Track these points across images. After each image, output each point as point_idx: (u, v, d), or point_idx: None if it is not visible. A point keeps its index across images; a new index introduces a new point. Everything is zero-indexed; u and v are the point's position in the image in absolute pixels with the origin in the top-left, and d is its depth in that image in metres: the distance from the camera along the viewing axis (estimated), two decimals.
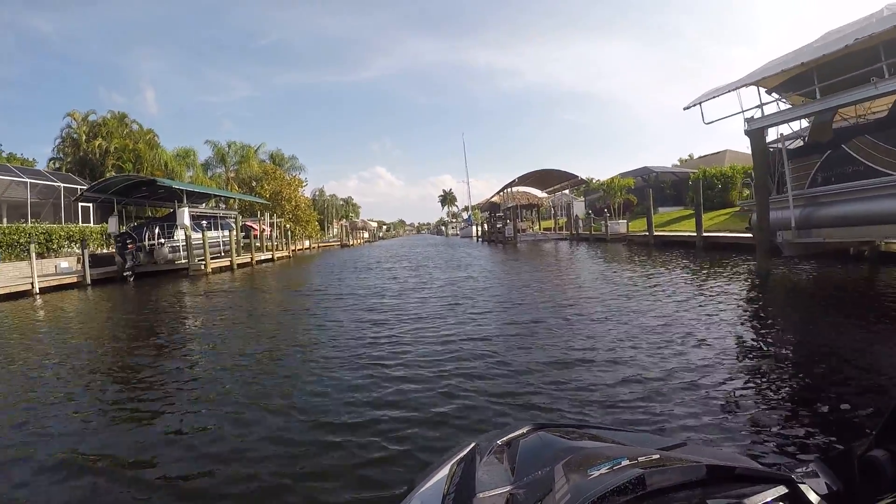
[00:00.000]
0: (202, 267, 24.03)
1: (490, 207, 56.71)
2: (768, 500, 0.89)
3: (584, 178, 43.26)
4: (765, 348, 6.52)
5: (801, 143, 13.62)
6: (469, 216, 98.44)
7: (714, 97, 14.10)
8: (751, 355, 6.31)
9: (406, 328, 8.76)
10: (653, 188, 43.41)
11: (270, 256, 34.74)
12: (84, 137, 38.73)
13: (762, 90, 13.64)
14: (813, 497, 0.93)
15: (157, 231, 24.15)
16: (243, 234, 32.67)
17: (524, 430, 1.49)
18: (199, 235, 24.99)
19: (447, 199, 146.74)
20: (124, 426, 4.89)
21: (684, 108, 14.44)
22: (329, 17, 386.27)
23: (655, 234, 27.44)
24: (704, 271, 14.51)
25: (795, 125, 14.29)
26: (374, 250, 45.19)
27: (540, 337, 7.52)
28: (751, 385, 5.05)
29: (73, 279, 21.04)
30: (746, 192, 30.68)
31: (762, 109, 13.04)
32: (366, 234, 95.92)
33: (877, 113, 12.77)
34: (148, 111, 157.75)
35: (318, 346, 7.80)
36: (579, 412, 4.52)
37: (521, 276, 16.64)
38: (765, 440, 3.85)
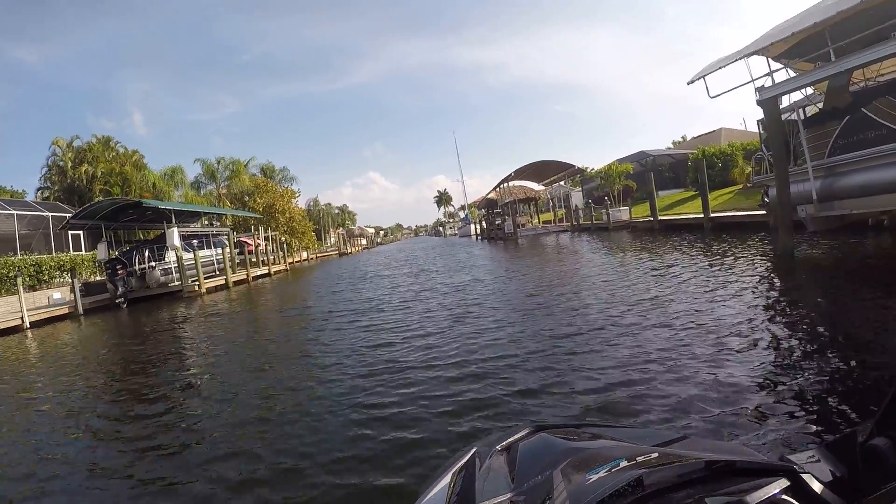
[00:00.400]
0: (196, 288, 23.22)
1: (487, 204, 55.84)
2: (771, 493, 0.86)
3: (580, 167, 42.33)
4: (804, 336, 5.94)
5: (816, 111, 12.90)
6: (466, 215, 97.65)
7: (718, 69, 13.35)
8: (784, 344, 5.74)
9: (412, 354, 7.25)
10: (647, 173, 42.81)
11: (267, 271, 33.93)
12: (70, 164, 38.18)
13: (765, 59, 12.96)
14: (816, 486, 0.90)
15: (146, 254, 23.28)
16: (237, 250, 31.75)
17: (523, 432, 1.47)
18: (191, 255, 24.15)
19: (443, 199, 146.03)
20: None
21: (688, 83, 13.71)
22: (311, 26, 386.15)
23: (660, 218, 26.66)
24: (723, 255, 13.59)
25: (798, 95, 13.58)
26: (373, 257, 44.32)
27: (577, 354, 6.13)
28: (788, 375, 4.69)
29: (65, 310, 20.26)
30: (748, 168, 29.96)
31: (772, 77, 12.27)
32: (363, 241, 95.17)
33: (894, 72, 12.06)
34: (137, 133, 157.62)
35: (314, 382, 6.48)
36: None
37: (531, 274, 15.34)
38: (773, 427, 3.72)
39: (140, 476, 4.36)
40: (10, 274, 22.70)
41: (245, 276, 29.53)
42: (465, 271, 19.48)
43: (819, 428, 3.66)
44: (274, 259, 39.06)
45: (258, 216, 41.20)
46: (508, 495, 1.10)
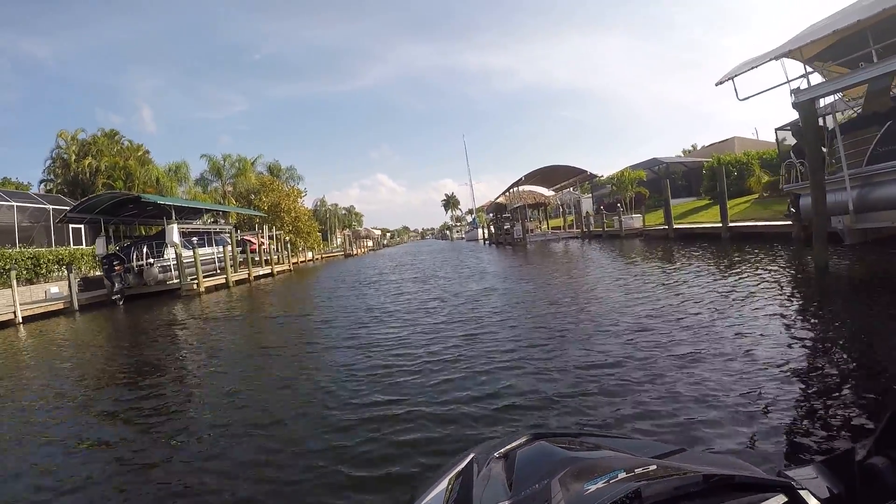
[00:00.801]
0: (195, 286, 22.55)
1: (496, 208, 55.02)
2: None
3: (592, 173, 41.51)
4: (832, 357, 5.53)
5: (853, 116, 12.15)
6: (474, 219, 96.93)
7: (749, 70, 12.60)
8: (811, 364, 5.37)
9: (416, 388, 5.82)
10: (662, 180, 42.03)
11: (270, 271, 33.21)
12: (74, 157, 37.72)
13: (790, 62, 12.24)
14: (813, 503, 0.91)
15: (145, 250, 22.62)
16: (240, 248, 31.06)
17: (522, 440, 1.45)
18: (191, 253, 23.50)
19: (450, 202, 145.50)
20: None
21: (716, 84, 12.97)
22: (320, 28, 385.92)
23: (675, 226, 25.81)
24: (749, 268, 12.70)
25: (828, 99, 12.81)
26: (379, 259, 43.36)
27: (613, 387, 5.13)
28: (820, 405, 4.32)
29: (60, 305, 19.68)
30: (766, 177, 29.13)
31: (808, 79, 11.49)
32: (370, 243, 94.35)
33: None
34: (146, 130, 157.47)
35: (303, 414, 5.39)
36: None
37: (547, 285, 14.02)
38: (772, 442, 3.68)
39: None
40: (7, 266, 22.16)
41: (247, 276, 28.87)
42: (475, 279, 17.89)
43: (821, 445, 3.57)
44: (278, 259, 38.55)
45: (262, 215, 40.52)
46: (506, 503, 1.08)
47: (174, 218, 24.19)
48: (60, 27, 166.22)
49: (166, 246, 23.16)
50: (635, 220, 33.33)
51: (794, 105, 11.09)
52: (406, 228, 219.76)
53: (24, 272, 23.03)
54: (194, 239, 25.57)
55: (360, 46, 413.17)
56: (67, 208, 26.84)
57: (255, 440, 4.75)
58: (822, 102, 12.27)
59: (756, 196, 28.01)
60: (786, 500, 0.90)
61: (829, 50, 12.30)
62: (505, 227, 47.69)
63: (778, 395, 4.46)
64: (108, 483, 4.18)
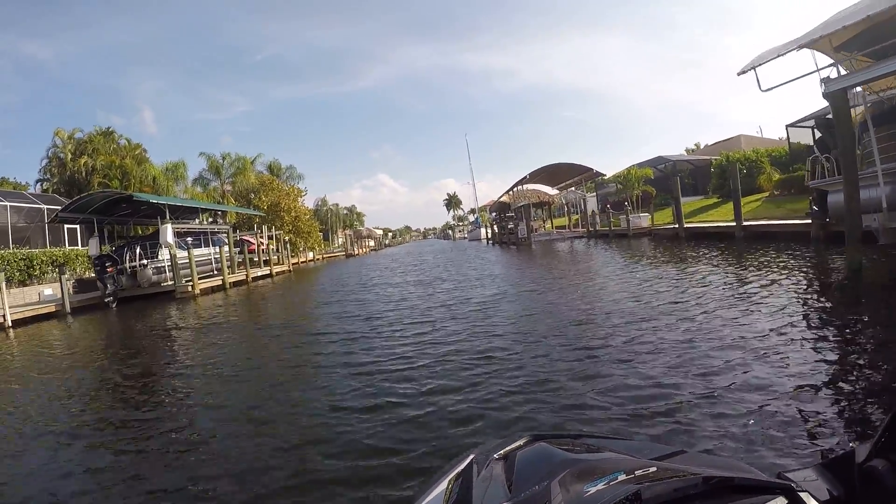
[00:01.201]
0: (189, 288, 21.80)
1: (499, 207, 54.17)
2: None
3: (598, 171, 40.69)
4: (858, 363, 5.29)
5: (885, 108, 11.39)
6: (476, 218, 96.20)
7: (773, 59, 11.85)
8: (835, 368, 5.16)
9: (418, 427, 4.73)
10: (671, 178, 41.19)
11: (268, 272, 32.48)
12: (70, 156, 37.04)
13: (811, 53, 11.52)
14: None
15: (138, 251, 21.88)
16: (238, 249, 30.29)
17: (521, 441, 1.44)
18: (185, 254, 22.75)
19: (452, 202, 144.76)
20: None
21: (738, 74, 12.22)
22: (321, 28, 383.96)
23: (686, 225, 25.02)
24: (775, 269, 11.88)
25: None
26: (381, 260, 42.50)
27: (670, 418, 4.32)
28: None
29: (52, 308, 18.96)
30: (776, 175, 28.36)
31: (838, 68, 10.74)
32: (371, 243, 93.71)
33: None
34: (147, 131, 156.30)
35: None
36: None
37: (562, 289, 12.80)
38: (772, 445, 3.65)
39: None
40: None
41: (244, 277, 28.16)
42: (483, 283, 16.49)
43: (822, 447, 3.58)
44: (278, 259, 37.87)
45: (261, 214, 39.77)
46: None
47: (168, 217, 23.40)
48: (62, 29, 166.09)
49: (160, 246, 22.42)
50: (643, 219, 32.62)
51: (826, 95, 10.36)
52: (408, 228, 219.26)
53: (17, 274, 22.35)
54: (189, 239, 24.72)
55: (361, 47, 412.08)
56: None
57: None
58: (854, 94, 11.51)
59: (767, 194, 27.22)
60: (786, 502, 0.90)
61: (855, 39, 11.57)
62: (509, 227, 47.02)
63: (810, 401, 4.33)
64: None
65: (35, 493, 4.18)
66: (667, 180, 40.59)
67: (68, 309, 19.08)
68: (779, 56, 11.61)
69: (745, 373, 5.13)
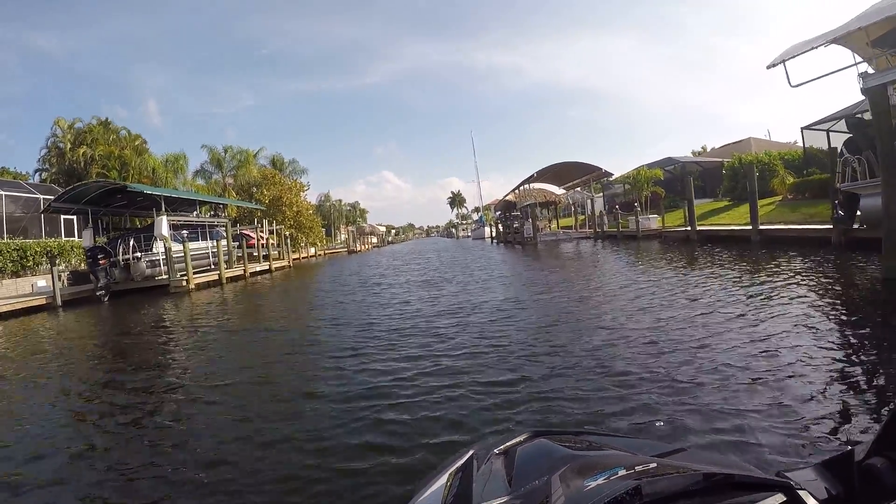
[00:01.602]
0: (184, 283, 21.13)
1: (505, 206, 53.40)
2: None
3: (607, 170, 39.88)
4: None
5: None
6: (480, 216, 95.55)
7: (803, 53, 11.15)
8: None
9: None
10: (684, 178, 40.38)
11: (267, 267, 31.79)
12: (69, 146, 36.51)
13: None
14: (812, 503, 0.91)
15: (132, 243, 21.21)
16: (236, 243, 29.61)
17: (522, 437, 1.45)
18: (181, 247, 22.09)
19: (456, 200, 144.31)
20: None
21: (767, 67, 11.55)
22: (328, 24, 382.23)
23: (698, 228, 24.24)
24: (800, 276, 11.12)
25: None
26: (383, 257, 41.50)
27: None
28: None
29: (42, 301, 18.37)
30: (790, 178, 27.57)
31: (875, 63, 10.01)
32: (374, 240, 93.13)
33: None
34: (151, 123, 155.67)
35: None
36: None
37: (580, 296, 11.47)
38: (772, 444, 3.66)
39: None
40: None
41: (242, 272, 27.52)
42: (492, 286, 15.17)
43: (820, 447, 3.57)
44: (279, 254, 37.26)
45: (261, 208, 39.11)
46: (506, 498, 1.09)
47: (164, 209, 22.71)
48: (69, 21, 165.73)
49: (155, 239, 21.76)
50: (652, 221, 31.82)
51: (864, 91, 9.62)
52: (411, 226, 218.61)
53: (10, 264, 21.78)
54: (184, 232, 23.95)
55: (368, 43, 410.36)
56: None
57: None
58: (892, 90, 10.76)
59: (780, 198, 26.41)
60: (784, 499, 0.90)
61: (888, 35, 10.88)
62: (514, 226, 46.34)
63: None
64: None
65: None
66: (676, 182, 39.89)
67: (59, 302, 18.52)
68: (812, 49, 10.93)
69: (779, 389, 4.74)
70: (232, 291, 20.93)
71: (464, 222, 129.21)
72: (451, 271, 21.63)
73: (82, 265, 24.59)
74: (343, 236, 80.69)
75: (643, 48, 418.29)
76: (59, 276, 22.43)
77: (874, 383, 4.80)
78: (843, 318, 7.38)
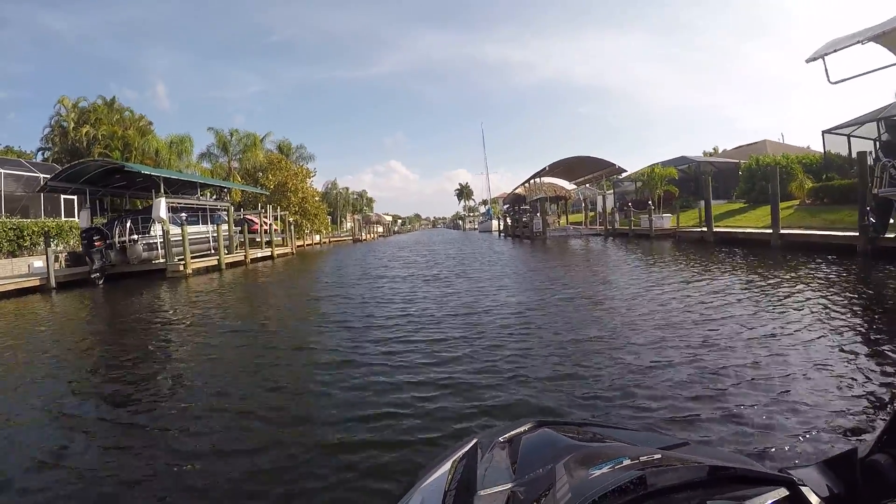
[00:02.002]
0: (181, 267, 20.52)
1: (514, 199, 52.53)
2: (769, 502, 0.88)
3: (620, 166, 38.95)
4: None
5: None
6: (488, 209, 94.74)
7: (844, 48, 10.33)
8: None
9: None
10: (698, 178, 39.47)
11: (269, 254, 31.18)
12: (73, 125, 36.03)
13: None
14: (814, 499, 0.91)
15: (129, 225, 20.56)
16: (238, 228, 28.92)
17: (526, 427, 1.42)
18: (179, 230, 21.47)
19: (463, 192, 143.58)
20: None
21: (806, 61, 10.67)
22: (338, 11, 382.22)
23: (715, 229, 23.42)
24: (832, 285, 10.42)
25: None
26: (388, 248, 40.27)
27: None
28: None
29: (36, 282, 17.78)
30: (809, 183, 26.71)
31: None
32: (380, 229, 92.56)
33: None
34: (160, 106, 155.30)
35: None
36: None
37: (605, 299, 10.35)
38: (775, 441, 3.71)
39: None
40: None
41: (243, 258, 26.90)
42: (504, 282, 14.21)
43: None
44: (283, 241, 36.69)
45: (265, 193, 38.47)
46: (510, 485, 1.08)
47: (163, 191, 22.03)
48: (80, 2, 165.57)
49: (153, 221, 21.12)
50: (665, 220, 30.97)
51: None
52: (418, 216, 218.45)
53: (6, 244, 21.25)
54: (183, 215, 23.21)
55: (377, 33, 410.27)
56: None
57: None
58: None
59: (798, 202, 25.58)
60: (787, 493, 0.89)
61: None
62: (523, 220, 45.59)
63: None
64: None
65: None
66: (689, 181, 38.99)
67: (53, 284, 17.94)
68: (858, 43, 10.12)
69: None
70: (230, 278, 20.26)
71: (471, 214, 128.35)
72: (461, 266, 20.43)
73: (80, 247, 24.10)
74: (349, 225, 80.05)
75: (655, 48, 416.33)
76: (57, 258, 21.99)
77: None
78: (866, 326, 7.07)
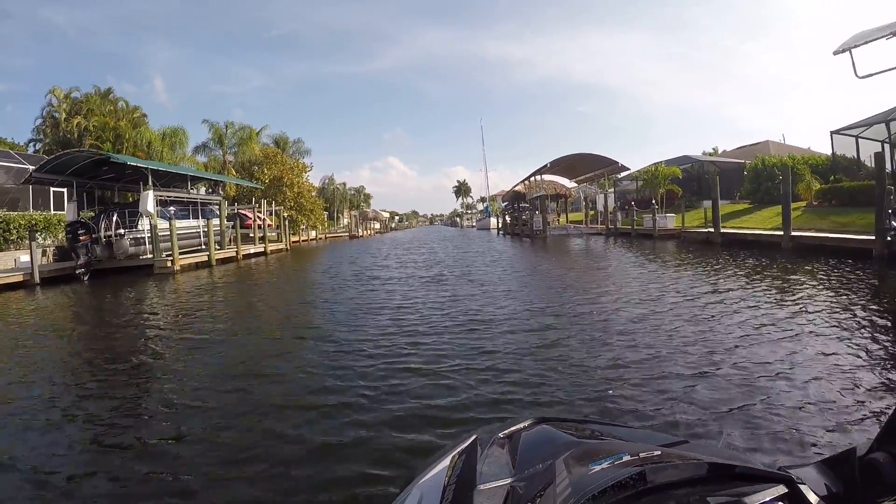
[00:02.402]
0: (168, 264, 19.79)
1: (514, 197, 51.84)
2: (768, 499, 0.88)
3: (623, 164, 38.23)
4: None
5: None
6: (486, 206, 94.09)
7: (874, 40, 9.73)
8: None
9: None
10: (701, 178, 38.88)
11: (262, 250, 30.44)
12: (64, 116, 35.30)
13: None
14: (812, 497, 0.91)
15: (115, 219, 19.81)
16: (230, 223, 28.14)
17: (526, 423, 1.44)
18: (168, 224, 20.71)
19: (462, 189, 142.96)
20: None
21: (834, 53, 10.15)
22: (340, 7, 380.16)
23: (722, 230, 22.75)
24: (855, 290, 9.83)
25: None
26: (385, 246, 38.83)
27: None
28: None
29: (19, 278, 17.04)
30: (817, 184, 26.13)
31: None
32: (377, 225, 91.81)
33: None
34: (158, 100, 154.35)
35: None
36: None
37: (629, 307, 9.26)
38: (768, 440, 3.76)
39: None
40: None
41: (234, 254, 26.18)
42: (510, 286, 13.13)
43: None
44: (278, 236, 35.93)
45: (259, 187, 37.67)
46: (509, 480, 1.09)
47: (150, 183, 21.24)
48: None
49: (141, 215, 20.37)
50: (669, 220, 30.33)
51: None
52: (415, 213, 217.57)
53: None
54: (171, 209, 22.36)
55: (378, 29, 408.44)
56: None
57: None
58: None
59: (805, 203, 24.99)
60: (785, 490, 0.89)
61: None
62: (523, 218, 44.95)
63: None
64: None
65: None
66: (692, 181, 38.40)
67: (37, 279, 17.22)
68: (885, 37, 9.49)
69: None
70: (221, 275, 19.50)
71: (468, 212, 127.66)
72: (461, 268, 18.76)
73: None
74: (346, 221, 79.32)
75: (656, 47, 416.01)
76: (45, 252, 21.33)
77: None
78: (872, 328, 6.99)
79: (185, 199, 25.34)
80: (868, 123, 25.78)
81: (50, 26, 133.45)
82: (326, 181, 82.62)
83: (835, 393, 4.68)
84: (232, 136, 46.92)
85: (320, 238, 52.32)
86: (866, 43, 9.73)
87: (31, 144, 37.77)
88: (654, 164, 36.68)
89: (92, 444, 4.40)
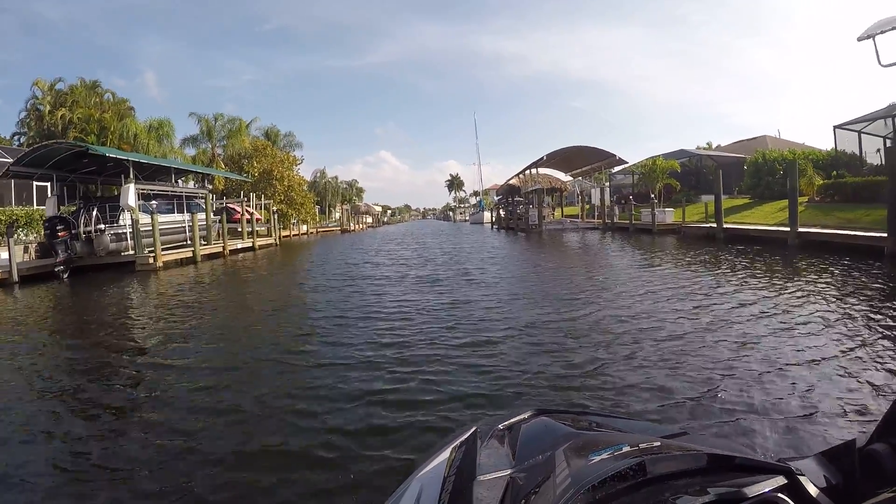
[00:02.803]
0: (150, 260, 19.01)
1: (508, 191, 51.16)
2: (767, 489, 0.87)
3: (620, 157, 37.51)
4: None
5: None
6: (480, 200, 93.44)
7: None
8: None
9: None
10: (699, 172, 38.40)
11: (251, 245, 29.64)
12: (48, 108, 34.36)
13: None
14: (811, 489, 0.90)
15: (95, 214, 18.99)
16: (216, 217, 27.32)
17: (525, 415, 1.44)
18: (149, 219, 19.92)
19: (454, 183, 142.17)
20: None
21: (858, 39, 9.61)
22: (334, 0, 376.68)
23: (725, 226, 22.15)
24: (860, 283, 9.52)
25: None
26: (376, 241, 37.77)
27: None
28: None
29: None
30: (819, 180, 25.61)
31: None
32: (369, 219, 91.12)
33: None
34: (149, 94, 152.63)
35: None
36: None
37: (641, 311, 8.45)
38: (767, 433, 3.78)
39: None
40: None
41: (221, 249, 25.43)
42: (511, 284, 12.51)
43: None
44: (267, 231, 35.15)
45: (247, 180, 36.82)
46: (509, 471, 1.09)
47: (132, 176, 20.43)
48: None
49: (122, 210, 19.57)
50: (668, 215, 29.74)
51: None
52: (408, 207, 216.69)
53: None
54: (155, 203, 21.54)
55: (370, 22, 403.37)
56: None
57: None
58: None
59: (807, 198, 24.46)
60: (785, 481, 0.88)
61: None
62: (518, 212, 44.31)
63: None
64: None
65: None
66: (689, 175, 37.90)
67: (16, 278, 16.35)
68: None
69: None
70: (206, 272, 18.80)
71: (461, 206, 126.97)
72: (458, 265, 17.66)
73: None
74: (337, 215, 78.50)
75: (650, 43, 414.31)
76: (27, 248, 20.52)
77: None
78: (875, 321, 7.03)
79: (169, 193, 24.50)
80: (871, 118, 25.35)
81: (41, 20, 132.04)
82: (318, 175, 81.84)
83: (839, 388, 4.71)
84: (221, 128, 46.04)
85: (311, 232, 51.53)
86: (894, 29, 9.11)
87: (16, 138, 36.94)
88: (652, 157, 36.03)
89: (64, 448, 4.39)
